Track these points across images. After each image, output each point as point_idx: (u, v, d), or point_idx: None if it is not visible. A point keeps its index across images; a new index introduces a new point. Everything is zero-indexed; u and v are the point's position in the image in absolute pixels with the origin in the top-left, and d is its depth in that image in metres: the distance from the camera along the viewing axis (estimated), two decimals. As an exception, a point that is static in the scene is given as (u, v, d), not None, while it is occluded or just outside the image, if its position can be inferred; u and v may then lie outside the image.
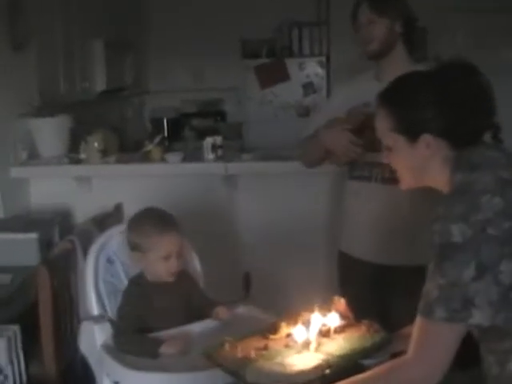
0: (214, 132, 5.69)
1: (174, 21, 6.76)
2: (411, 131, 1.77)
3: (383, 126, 1.84)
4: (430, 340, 1.66)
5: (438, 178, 1.78)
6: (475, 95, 1.74)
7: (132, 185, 4.12)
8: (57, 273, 3.00)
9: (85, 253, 3.21)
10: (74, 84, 4.81)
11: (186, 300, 2.47)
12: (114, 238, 2.60)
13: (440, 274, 1.62)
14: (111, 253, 2.57)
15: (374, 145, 2.69)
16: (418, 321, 1.69)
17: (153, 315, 2.36)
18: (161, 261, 2.38)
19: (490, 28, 5.92)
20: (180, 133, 6.56)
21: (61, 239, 3.66)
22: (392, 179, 2.67)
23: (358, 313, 2.43)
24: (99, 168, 4.14)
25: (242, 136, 6.60)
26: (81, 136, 4.31)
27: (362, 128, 2.75)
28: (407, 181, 1.88)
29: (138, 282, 2.44)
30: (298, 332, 1.98)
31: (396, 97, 1.83)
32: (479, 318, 1.60)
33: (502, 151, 1.76)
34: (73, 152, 4.28)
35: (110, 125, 5.21)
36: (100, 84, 5.24)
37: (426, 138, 1.74)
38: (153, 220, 2.43)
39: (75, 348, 3.05)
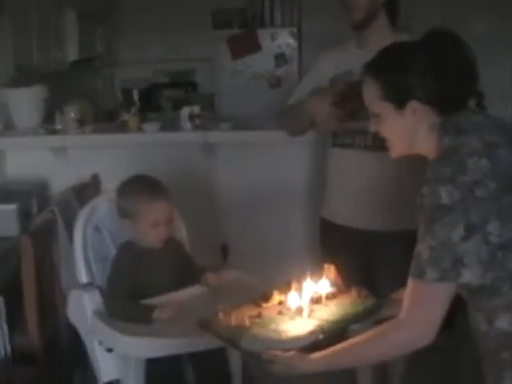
0: (186, 102, 5.70)
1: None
2: (398, 98, 1.80)
3: (370, 93, 1.87)
4: (422, 300, 1.70)
5: (426, 143, 1.81)
6: (460, 63, 1.79)
7: (109, 155, 4.09)
8: (39, 243, 3.00)
9: (65, 222, 3.23)
10: (48, 54, 4.75)
11: (174, 266, 2.49)
12: (101, 207, 2.61)
13: (430, 236, 1.66)
14: (98, 221, 2.57)
15: (356, 113, 2.75)
16: (410, 282, 1.72)
17: (143, 281, 2.37)
18: (150, 227, 2.38)
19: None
20: (153, 103, 6.51)
21: (39, 210, 3.64)
22: (374, 146, 2.74)
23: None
24: (76, 138, 4.10)
25: (214, 106, 6.57)
26: (55, 106, 4.26)
27: (345, 97, 2.78)
28: (397, 149, 1.91)
29: (127, 248, 2.44)
30: (291, 299, 2.00)
31: (383, 64, 1.86)
32: (469, 276, 1.64)
33: (486, 116, 1.80)
34: (48, 123, 4.23)
35: (83, 95, 5.15)
36: (72, 54, 5.19)
37: (413, 104, 1.78)
38: (143, 187, 2.44)
39: (58, 317, 3.09)
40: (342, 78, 2.89)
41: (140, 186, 2.44)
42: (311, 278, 2.11)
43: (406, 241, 2.72)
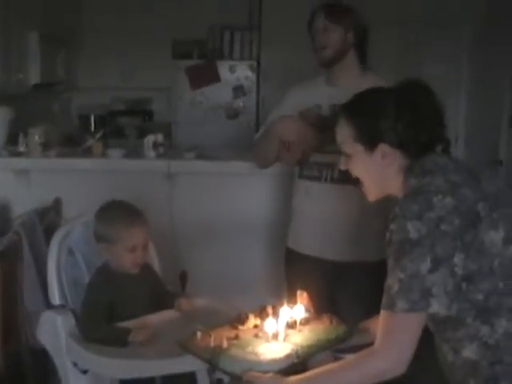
0: (143, 131, 5.74)
1: (106, 19, 6.71)
2: (369, 140, 1.91)
3: (343, 134, 1.98)
4: (394, 331, 1.78)
5: (394, 184, 1.92)
6: (430, 111, 1.92)
7: (71, 179, 4.07)
8: (5, 263, 3.01)
9: (30, 244, 3.23)
10: (10, 76, 4.77)
11: (149, 291, 2.52)
12: (76, 230, 2.62)
13: (399, 269, 1.74)
14: (72, 244, 2.59)
15: (324, 145, 2.83)
16: (382, 314, 1.81)
17: (117, 304, 2.39)
18: (127, 252, 2.42)
19: (415, 43, 6.15)
20: (112, 130, 6.52)
21: (0, 231, 3.62)
22: (341, 179, 2.82)
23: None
24: (39, 161, 4.08)
25: (171, 136, 6.61)
26: (18, 129, 4.25)
27: (313, 128, 2.86)
28: (373, 192, 2.02)
29: (103, 272, 2.47)
30: (269, 324, 2.06)
31: (357, 107, 1.98)
32: (437, 306, 1.73)
33: (450, 159, 1.92)
34: (10, 145, 4.21)
35: (47, 119, 5.15)
36: (34, 77, 5.21)
37: (383, 147, 1.90)
38: (120, 212, 2.48)
39: (21, 339, 3.08)
40: (311, 111, 2.97)
41: (118, 212, 2.48)
42: (287, 304, 2.18)
43: (369, 272, 2.85)
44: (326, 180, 2.92)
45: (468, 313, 1.77)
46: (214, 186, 4.12)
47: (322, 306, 2.32)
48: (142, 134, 5.46)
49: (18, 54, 4.91)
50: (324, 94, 2.99)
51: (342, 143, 1.99)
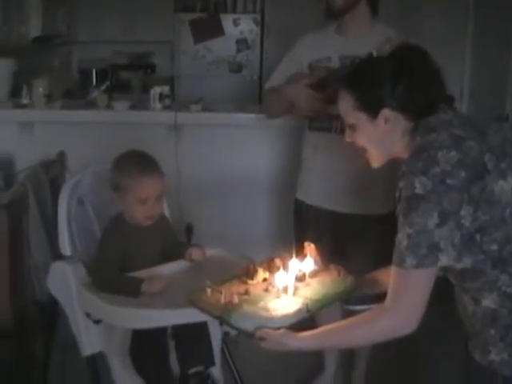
0: (146, 85, 5.68)
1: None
2: (371, 107, 1.90)
3: (345, 105, 1.98)
4: (404, 287, 1.78)
5: (400, 147, 1.91)
6: (426, 73, 1.90)
7: (76, 132, 4.05)
8: (13, 215, 2.98)
9: (35, 197, 3.20)
10: (11, 28, 4.70)
11: (161, 243, 2.49)
12: (85, 180, 2.58)
13: (408, 225, 1.74)
14: (82, 194, 2.55)
15: (335, 97, 2.79)
16: (393, 271, 1.80)
17: (130, 254, 2.36)
18: (138, 204, 2.37)
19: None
20: (114, 83, 6.48)
21: (5, 184, 3.62)
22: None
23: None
24: (44, 113, 4.05)
25: (174, 90, 6.55)
26: (22, 81, 4.21)
27: (324, 82, 2.82)
28: (377, 158, 2.01)
29: (118, 222, 2.43)
30: (279, 277, 2.04)
31: (355, 77, 1.97)
32: (446, 260, 1.73)
33: (455, 114, 1.91)
34: (14, 97, 4.17)
35: (41, 73, 5.09)
36: (35, 30, 5.14)
37: (385, 112, 1.88)
38: (135, 161, 2.42)
39: (28, 292, 3.07)
40: (321, 64, 2.93)
41: (132, 162, 2.42)
42: (296, 257, 2.16)
43: (378, 223, 2.84)
44: (336, 131, 2.88)
45: (485, 264, 1.76)
46: (221, 139, 4.10)
47: (330, 257, 2.31)
48: (145, 87, 5.44)
49: (18, 7, 4.82)
50: (334, 44, 2.94)
51: (344, 114, 2.00)
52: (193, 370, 2.43)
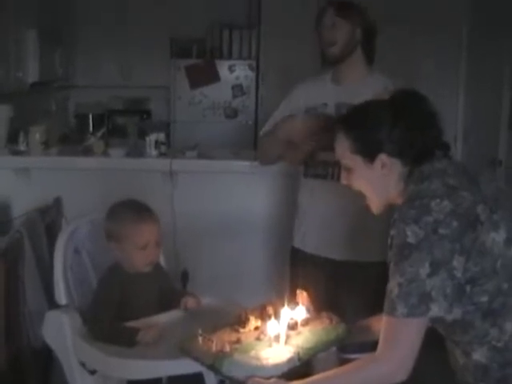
0: (141, 130, 5.70)
1: (104, 16, 6.70)
2: (368, 152, 1.92)
3: (342, 147, 2.00)
4: (395, 336, 1.79)
5: (395, 192, 1.93)
6: (422, 117, 1.93)
7: (72, 178, 4.07)
8: (8, 263, 2.99)
9: (31, 243, 3.21)
10: (9, 74, 4.74)
11: (158, 290, 2.49)
12: (81, 228, 2.59)
13: (399, 274, 1.75)
14: (78, 243, 2.56)
15: (329, 144, 2.81)
16: (384, 319, 1.81)
17: (127, 304, 2.36)
18: (138, 250, 2.38)
19: (412, 42, 6.13)
20: (111, 128, 6.51)
21: (1, 231, 3.57)
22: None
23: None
24: (40, 160, 4.07)
25: (170, 135, 6.59)
26: (19, 127, 4.23)
27: (318, 128, 2.84)
28: (375, 203, 2.03)
29: (115, 272, 2.43)
30: (271, 326, 2.05)
31: (354, 120, 2.00)
32: (437, 310, 1.73)
33: (450, 162, 1.93)
34: (11, 143, 4.20)
35: (38, 118, 5.12)
36: (32, 75, 5.17)
37: (382, 157, 1.91)
38: (130, 209, 2.44)
39: (22, 339, 3.05)
40: (317, 110, 2.95)
41: (127, 210, 2.44)
42: (287, 305, 2.16)
43: (373, 271, 2.83)
44: (332, 178, 2.89)
45: (474, 315, 1.77)
46: (216, 185, 4.12)
47: (326, 306, 2.31)
48: (141, 133, 5.46)
49: (16, 52, 4.87)
50: (330, 92, 2.97)
51: (341, 157, 2.01)
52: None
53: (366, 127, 1.93)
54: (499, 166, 4.74)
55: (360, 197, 2.72)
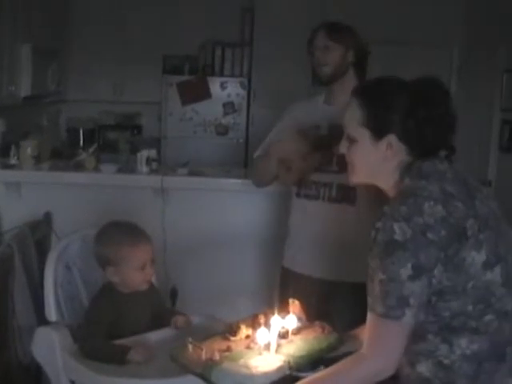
0: (133, 145, 5.72)
1: (97, 32, 6.68)
2: (378, 129, 1.85)
3: (352, 117, 1.91)
4: (378, 334, 1.77)
5: (388, 179, 1.89)
6: (442, 113, 1.86)
7: (63, 193, 4.04)
8: (-1, 279, 2.97)
9: (21, 258, 3.20)
10: (1, 88, 4.74)
11: (151, 309, 2.50)
12: (72, 245, 2.59)
13: (381, 270, 1.72)
14: (69, 259, 2.56)
15: (322, 164, 2.83)
16: (368, 316, 1.79)
17: (120, 323, 2.36)
18: (136, 272, 2.39)
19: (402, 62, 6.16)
20: (102, 144, 6.51)
21: (-11, 245, 3.60)
22: (339, 198, 2.82)
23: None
24: (31, 174, 4.04)
25: (160, 151, 6.58)
26: (10, 141, 4.22)
27: (313, 148, 2.86)
28: (358, 176, 1.96)
29: (108, 292, 2.43)
30: (261, 334, 2.04)
31: (372, 93, 1.91)
32: (410, 317, 1.71)
33: (451, 168, 1.87)
34: (2, 157, 4.18)
35: (29, 132, 5.11)
36: (25, 89, 5.17)
37: (390, 138, 1.84)
38: (122, 231, 2.44)
39: (11, 353, 3.04)
40: (310, 131, 2.96)
41: (119, 232, 2.44)
42: (278, 314, 2.16)
43: (364, 292, 2.81)
44: (323, 199, 2.90)
45: (431, 327, 1.76)
46: (207, 203, 4.10)
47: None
48: (132, 148, 5.46)
49: (9, 65, 4.87)
50: (323, 114, 2.98)
51: (348, 125, 1.93)
52: None
53: (384, 104, 1.86)
54: (489, 187, 4.77)
55: (352, 219, 2.79)
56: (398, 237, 1.68)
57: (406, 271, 1.68)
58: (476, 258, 1.72)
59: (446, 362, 1.76)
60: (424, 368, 1.79)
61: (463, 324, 1.74)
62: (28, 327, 2.97)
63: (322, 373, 1.89)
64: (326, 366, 1.91)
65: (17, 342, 3.11)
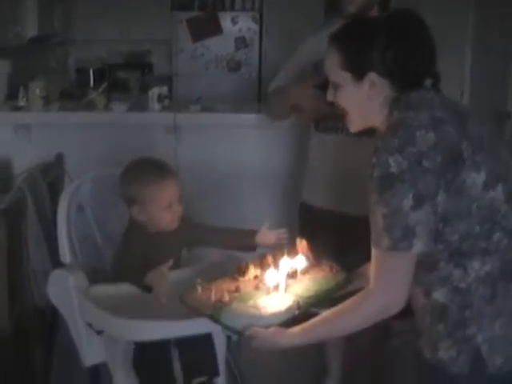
0: (144, 84, 5.61)
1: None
2: (358, 69, 1.84)
3: (332, 62, 1.90)
4: (384, 269, 1.76)
5: (378, 117, 1.87)
6: (419, 43, 1.84)
7: (74, 134, 3.97)
8: (10, 221, 2.90)
9: (34, 201, 3.13)
10: (6, 29, 4.63)
11: (186, 246, 2.44)
12: (84, 185, 2.52)
13: (383, 204, 1.70)
14: (82, 200, 2.49)
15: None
16: (373, 252, 1.78)
17: (149, 264, 2.25)
18: (163, 211, 2.30)
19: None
20: (111, 83, 6.39)
21: (2, 188, 3.49)
22: (358, 132, 2.73)
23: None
24: (40, 116, 3.98)
25: (172, 89, 6.49)
26: (18, 83, 4.13)
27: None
28: (355, 122, 1.95)
29: (136, 228, 2.35)
30: (270, 275, 2.02)
31: (347, 35, 1.90)
32: (420, 247, 1.70)
33: (438, 95, 1.87)
34: (10, 99, 4.11)
35: (37, 74, 5.02)
36: (31, 29, 5.07)
37: (371, 76, 1.82)
38: (148, 168, 2.34)
39: (27, 299, 2.99)
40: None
41: (144, 169, 2.34)
42: (287, 254, 2.15)
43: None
44: (343, 132, 2.83)
45: (441, 255, 1.75)
46: (221, 139, 4.02)
47: (335, 260, 2.30)
48: (143, 87, 5.36)
49: (14, 6, 4.76)
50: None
51: (330, 72, 1.92)
52: (196, 381, 2.35)
53: (360, 44, 1.85)
54: (508, 119, 4.66)
55: (370, 151, 2.70)
56: (393, 169, 1.67)
57: (407, 202, 1.67)
58: (476, 178, 1.72)
59: (461, 285, 1.76)
60: (440, 295, 1.79)
61: (473, 246, 1.74)
62: (43, 271, 2.91)
63: (329, 312, 1.88)
64: (334, 305, 1.89)
65: (33, 287, 3.06)
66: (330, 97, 1.95)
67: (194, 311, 1.96)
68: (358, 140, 2.73)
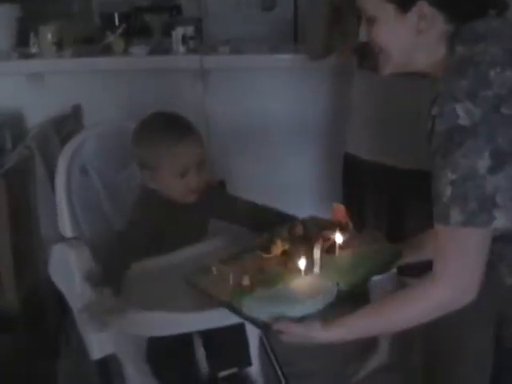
0: (171, 27, 5.30)
1: None
2: None
3: None
4: (454, 250, 1.46)
5: (431, 58, 1.56)
6: None
7: (91, 82, 3.69)
8: (14, 184, 2.74)
9: (44, 161, 2.83)
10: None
11: (206, 222, 2.09)
12: (88, 143, 2.17)
13: (450, 169, 1.39)
14: (85, 161, 2.15)
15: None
16: (437, 229, 1.47)
17: (162, 240, 1.95)
18: (176, 178, 1.94)
19: None
20: (136, 27, 6.10)
21: (13, 145, 3.33)
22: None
23: (363, 217, 2.49)
24: (53, 63, 3.68)
25: (202, 32, 6.15)
26: (30, 28, 3.85)
27: None
28: (392, 63, 1.61)
29: (148, 197, 2.02)
30: (302, 250, 1.71)
31: None
32: (504, 220, 1.39)
33: (507, 23, 1.55)
34: (21, 46, 3.83)
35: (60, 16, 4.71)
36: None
37: (421, 6, 1.49)
38: (162, 127, 1.98)
39: (37, 271, 2.76)
40: None
41: (157, 127, 1.99)
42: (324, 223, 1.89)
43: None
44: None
45: None
46: (253, 84, 3.69)
47: (377, 216, 2.29)
48: (168, 29, 5.06)
49: None
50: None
51: (366, 5, 1.57)
52: (224, 373, 2.04)
53: None
54: None
55: (426, 94, 2.36)
56: (463, 121, 1.37)
57: (483, 163, 1.36)
58: None
59: None
60: None
61: None
62: (55, 238, 2.62)
63: (379, 302, 1.61)
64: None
65: (44, 256, 2.79)
66: (364, 36, 1.62)
67: (207, 297, 1.63)
68: (410, 79, 2.40)
